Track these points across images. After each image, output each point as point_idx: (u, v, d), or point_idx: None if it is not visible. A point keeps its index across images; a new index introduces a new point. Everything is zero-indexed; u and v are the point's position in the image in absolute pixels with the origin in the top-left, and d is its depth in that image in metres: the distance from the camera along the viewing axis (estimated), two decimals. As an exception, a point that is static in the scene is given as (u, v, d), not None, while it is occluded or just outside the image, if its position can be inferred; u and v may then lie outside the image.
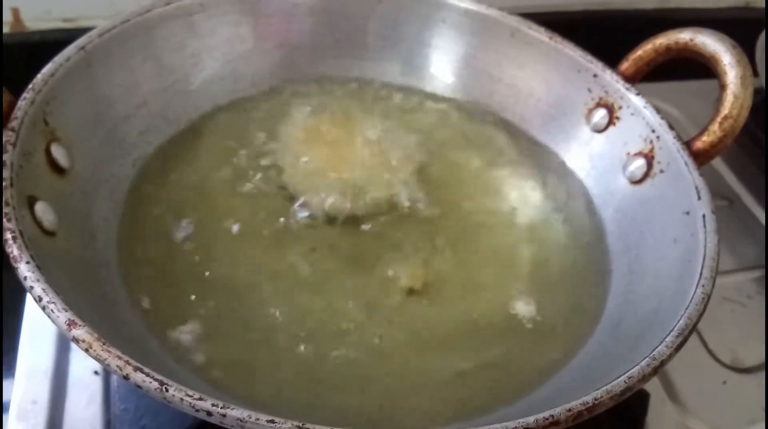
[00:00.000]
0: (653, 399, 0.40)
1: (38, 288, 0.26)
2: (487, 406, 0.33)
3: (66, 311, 0.26)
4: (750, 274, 0.51)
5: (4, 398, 0.38)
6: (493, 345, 0.37)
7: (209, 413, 0.23)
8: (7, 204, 0.29)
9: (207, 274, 0.38)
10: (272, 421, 0.23)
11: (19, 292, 0.41)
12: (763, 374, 0.44)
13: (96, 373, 0.40)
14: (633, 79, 0.44)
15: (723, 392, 0.43)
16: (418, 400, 0.34)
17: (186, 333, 0.35)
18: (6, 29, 0.63)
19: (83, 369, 0.40)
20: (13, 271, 0.27)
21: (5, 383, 0.39)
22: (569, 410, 0.25)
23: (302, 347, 0.35)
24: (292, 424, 0.23)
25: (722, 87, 0.39)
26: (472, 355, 0.36)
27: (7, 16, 0.63)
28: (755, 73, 0.55)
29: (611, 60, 0.45)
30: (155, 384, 0.24)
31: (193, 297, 0.36)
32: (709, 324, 0.46)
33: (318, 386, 0.34)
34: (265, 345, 0.35)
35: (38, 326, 0.41)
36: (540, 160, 0.47)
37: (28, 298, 0.42)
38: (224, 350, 0.34)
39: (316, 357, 0.35)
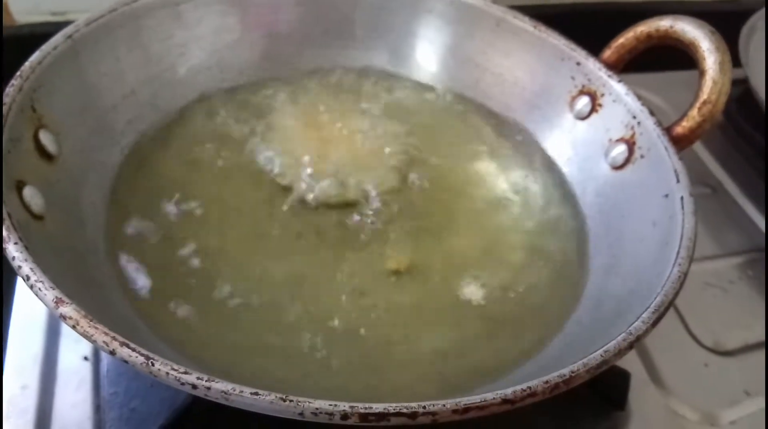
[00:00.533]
0: (636, 381, 0.41)
1: (26, 267, 0.27)
2: (470, 383, 0.34)
3: (53, 289, 0.26)
4: (732, 260, 0.51)
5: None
6: (475, 325, 0.37)
7: (194, 386, 0.24)
8: (-4, 187, 0.30)
9: (195, 260, 0.38)
10: (256, 393, 0.24)
11: (8, 285, 0.42)
12: (744, 357, 0.45)
13: (85, 358, 0.40)
14: (615, 66, 0.44)
15: (705, 374, 0.44)
16: (403, 378, 0.34)
17: (174, 315, 0.35)
18: (-5, 23, 0.63)
19: (73, 355, 0.40)
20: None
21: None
22: (546, 382, 0.26)
23: (288, 330, 0.36)
24: (276, 396, 0.24)
25: (701, 73, 0.40)
26: (454, 335, 0.37)
27: (-3, 10, 0.63)
28: (739, 64, 0.56)
29: (599, 52, 0.46)
30: (141, 358, 0.24)
31: (181, 282, 0.37)
32: (692, 308, 0.47)
33: (304, 367, 0.34)
34: (252, 328, 0.36)
35: (28, 314, 0.41)
36: (524, 147, 0.48)
37: (18, 284, 0.42)
38: (212, 332, 0.35)
39: (301, 339, 0.35)
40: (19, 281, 0.42)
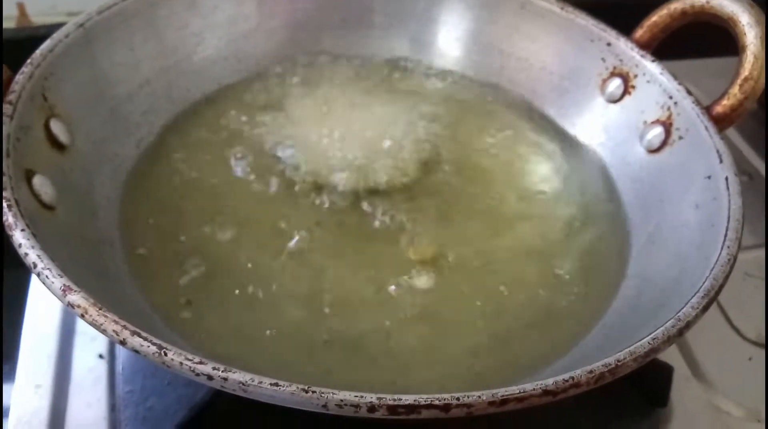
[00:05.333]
0: (678, 376, 0.39)
1: (33, 254, 0.25)
2: (503, 379, 0.32)
3: (61, 277, 0.25)
4: (771, 250, 0.49)
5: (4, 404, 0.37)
6: (507, 319, 0.35)
7: (210, 377, 0.22)
8: (4, 173, 0.28)
9: (212, 253, 0.37)
10: (276, 384, 0.22)
11: (21, 283, 0.41)
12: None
13: (101, 356, 0.39)
14: (648, 46, 0.42)
15: (749, 368, 0.41)
16: (431, 374, 0.33)
17: (190, 309, 0.34)
18: (12, 24, 0.63)
19: (88, 353, 0.39)
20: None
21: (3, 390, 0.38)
22: (590, 372, 0.24)
23: (311, 324, 0.34)
24: (297, 387, 0.22)
25: (741, 48, 0.37)
26: (485, 329, 0.35)
27: (14, 11, 0.63)
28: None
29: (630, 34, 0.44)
30: (153, 348, 0.23)
31: (194, 280, 0.35)
32: (733, 300, 0.45)
33: (328, 363, 0.33)
34: (272, 322, 0.34)
35: (42, 312, 0.40)
36: (554, 134, 0.46)
37: (32, 282, 0.41)
38: (229, 327, 0.34)
39: (325, 333, 0.34)
40: (34, 278, 0.41)
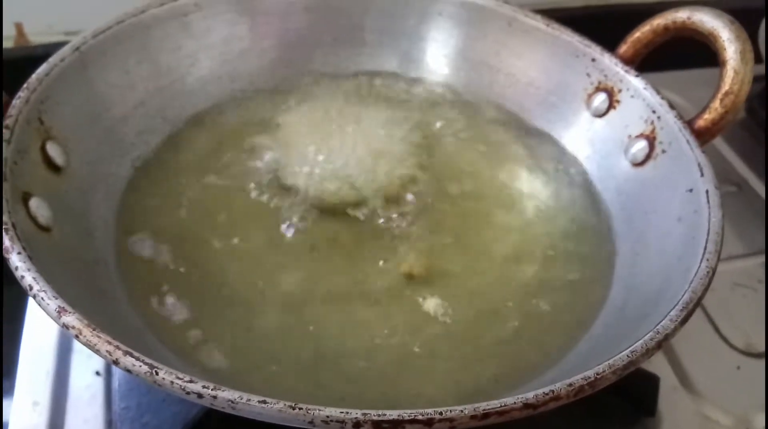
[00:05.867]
0: (666, 386, 0.39)
1: (29, 277, 0.26)
2: (490, 392, 0.32)
3: (56, 298, 0.25)
4: (761, 259, 0.49)
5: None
6: (494, 331, 0.36)
7: (200, 395, 0.23)
8: (1, 197, 0.29)
9: (207, 270, 0.37)
10: (264, 402, 0.23)
11: (19, 301, 0.42)
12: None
13: (97, 373, 0.39)
14: (632, 61, 0.43)
15: (737, 377, 0.42)
16: (420, 388, 0.33)
17: (185, 327, 0.34)
18: (10, 44, 0.64)
19: (85, 370, 0.39)
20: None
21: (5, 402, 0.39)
22: (570, 385, 0.24)
23: (300, 340, 0.35)
24: (285, 404, 0.23)
25: (722, 63, 0.38)
26: (473, 342, 0.35)
27: (11, 31, 0.63)
28: (758, 59, 0.54)
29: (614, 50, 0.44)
30: (145, 368, 0.24)
31: (192, 295, 0.36)
32: (721, 309, 0.45)
33: (318, 376, 0.33)
34: (264, 338, 0.35)
35: (39, 330, 0.41)
36: (541, 147, 0.47)
37: (31, 300, 0.42)
38: (223, 342, 0.34)
39: (317, 349, 0.34)
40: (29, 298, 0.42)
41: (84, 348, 0.39)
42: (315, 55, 0.50)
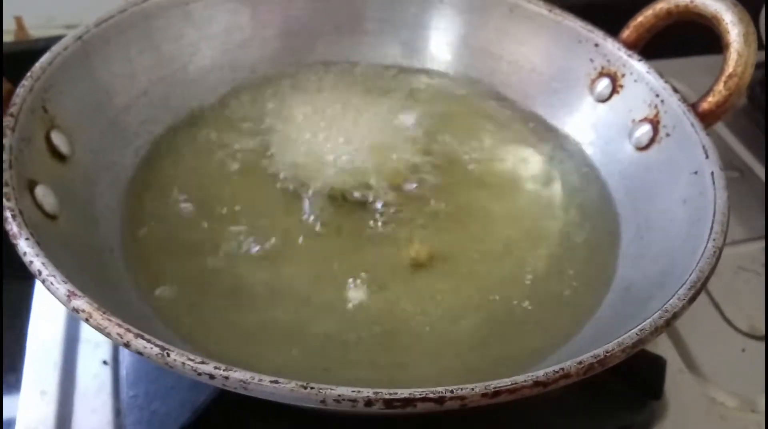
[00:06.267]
0: (672, 369, 0.39)
1: (38, 262, 0.26)
2: (498, 374, 0.32)
3: (66, 283, 0.25)
4: (763, 243, 0.50)
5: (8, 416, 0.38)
6: (501, 315, 0.36)
7: (212, 376, 0.23)
8: (7, 184, 0.29)
9: (212, 259, 0.37)
10: (276, 381, 0.23)
11: (26, 292, 0.42)
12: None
13: (105, 363, 0.39)
14: (635, 46, 0.43)
15: (742, 360, 0.42)
16: (427, 371, 0.33)
17: (193, 314, 0.34)
18: (10, 37, 0.64)
19: (92, 359, 0.39)
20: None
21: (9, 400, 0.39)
22: (580, 363, 0.25)
23: (311, 326, 0.35)
24: (296, 384, 0.23)
25: (725, 46, 0.38)
26: (480, 326, 0.35)
27: (12, 25, 0.63)
28: (759, 45, 0.54)
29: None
30: (156, 350, 0.24)
31: (199, 282, 0.36)
32: (726, 293, 0.46)
33: (327, 362, 0.33)
34: (272, 325, 0.35)
35: (46, 320, 0.41)
36: (545, 133, 0.47)
37: (36, 291, 0.42)
38: (230, 329, 0.34)
39: (321, 335, 0.34)
40: (37, 288, 0.42)
41: (91, 338, 0.40)
42: (317, 45, 0.50)
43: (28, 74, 0.35)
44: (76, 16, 0.61)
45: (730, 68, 0.38)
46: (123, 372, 0.38)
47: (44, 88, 0.35)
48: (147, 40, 0.43)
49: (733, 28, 0.38)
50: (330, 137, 0.45)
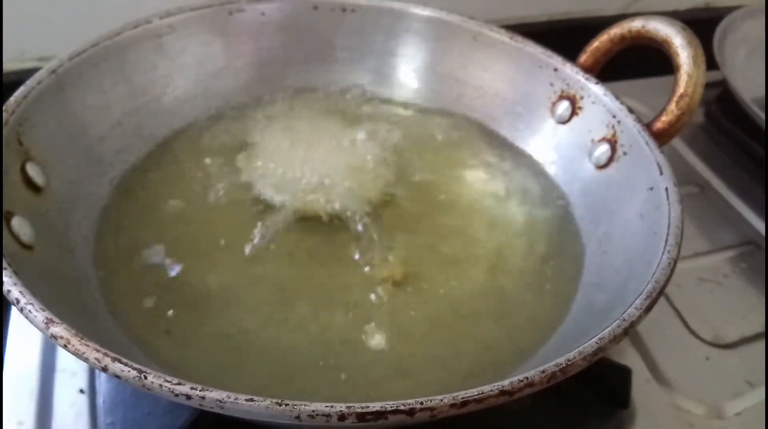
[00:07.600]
0: (638, 379, 0.41)
1: (15, 291, 0.27)
2: (468, 387, 0.33)
3: (44, 311, 0.26)
4: (724, 255, 0.52)
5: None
6: (471, 330, 0.37)
7: (188, 396, 0.24)
8: (-17, 216, 0.30)
9: (185, 286, 0.38)
10: (251, 400, 0.24)
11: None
12: (744, 348, 0.45)
13: (81, 391, 0.39)
14: (592, 70, 0.45)
15: (707, 368, 0.44)
16: (403, 387, 0.34)
17: (168, 340, 0.35)
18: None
19: (69, 388, 0.39)
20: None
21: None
22: (543, 372, 0.26)
23: (284, 348, 0.36)
24: (271, 401, 0.24)
25: (676, 68, 0.40)
26: (451, 341, 0.37)
27: (-17, 58, 0.63)
28: (715, 66, 0.57)
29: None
30: (134, 372, 0.24)
31: (171, 311, 0.37)
32: (689, 304, 0.47)
33: (302, 383, 0.34)
34: (248, 348, 0.35)
35: (22, 350, 0.41)
36: (509, 155, 0.48)
37: (11, 319, 0.42)
38: (206, 354, 0.35)
39: (297, 356, 0.35)
40: (12, 316, 0.42)
41: (67, 367, 0.40)
42: (288, 73, 0.51)
43: (3, 108, 0.36)
44: (48, 48, 0.61)
45: (681, 89, 0.40)
46: (100, 400, 0.38)
47: (19, 122, 0.36)
48: (120, 73, 0.44)
49: (683, 51, 0.40)
50: (303, 162, 0.46)
